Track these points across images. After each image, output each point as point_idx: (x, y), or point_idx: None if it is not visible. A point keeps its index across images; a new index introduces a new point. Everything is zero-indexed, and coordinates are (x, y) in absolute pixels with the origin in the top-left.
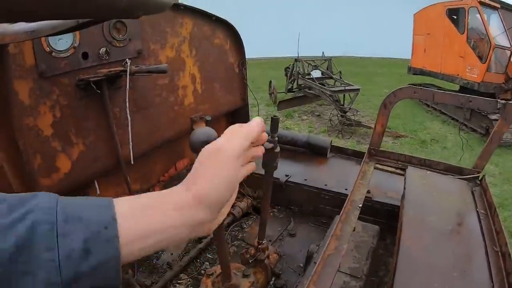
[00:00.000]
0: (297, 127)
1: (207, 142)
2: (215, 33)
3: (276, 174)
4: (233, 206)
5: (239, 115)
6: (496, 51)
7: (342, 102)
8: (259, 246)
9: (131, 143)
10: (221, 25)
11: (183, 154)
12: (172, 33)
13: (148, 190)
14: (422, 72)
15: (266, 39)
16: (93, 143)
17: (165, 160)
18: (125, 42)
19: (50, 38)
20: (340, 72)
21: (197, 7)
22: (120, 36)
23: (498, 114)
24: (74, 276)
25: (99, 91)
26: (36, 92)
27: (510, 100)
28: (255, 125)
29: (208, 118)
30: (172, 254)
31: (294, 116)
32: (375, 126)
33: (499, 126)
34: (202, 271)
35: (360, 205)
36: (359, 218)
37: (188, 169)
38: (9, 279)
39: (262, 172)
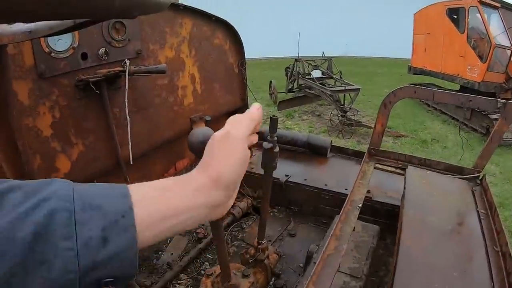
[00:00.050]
0: (298, 127)
1: (205, 142)
2: (215, 33)
3: (276, 174)
4: (233, 206)
5: None
6: (497, 51)
7: (342, 102)
8: (259, 246)
9: (130, 144)
10: (220, 25)
11: (182, 154)
12: (171, 33)
13: None
14: (422, 72)
15: (266, 39)
16: (92, 143)
17: (164, 161)
18: (124, 42)
19: (49, 39)
20: (340, 72)
21: (197, 7)
22: (119, 36)
23: (498, 114)
24: (92, 264)
25: (98, 92)
26: (36, 92)
27: (510, 100)
28: (255, 110)
29: (208, 118)
30: (172, 254)
31: (295, 116)
32: (375, 125)
33: (500, 125)
34: (202, 271)
35: (360, 205)
36: (359, 218)
37: (188, 169)
38: (26, 268)
39: (262, 172)
